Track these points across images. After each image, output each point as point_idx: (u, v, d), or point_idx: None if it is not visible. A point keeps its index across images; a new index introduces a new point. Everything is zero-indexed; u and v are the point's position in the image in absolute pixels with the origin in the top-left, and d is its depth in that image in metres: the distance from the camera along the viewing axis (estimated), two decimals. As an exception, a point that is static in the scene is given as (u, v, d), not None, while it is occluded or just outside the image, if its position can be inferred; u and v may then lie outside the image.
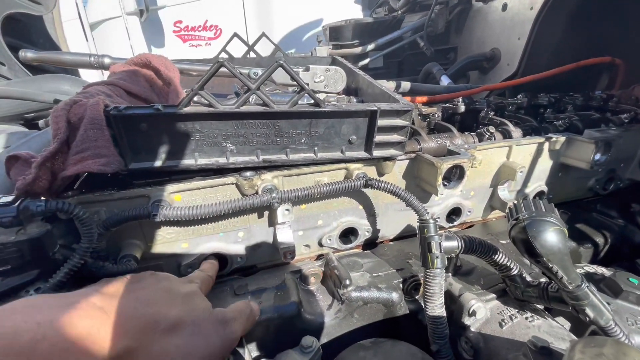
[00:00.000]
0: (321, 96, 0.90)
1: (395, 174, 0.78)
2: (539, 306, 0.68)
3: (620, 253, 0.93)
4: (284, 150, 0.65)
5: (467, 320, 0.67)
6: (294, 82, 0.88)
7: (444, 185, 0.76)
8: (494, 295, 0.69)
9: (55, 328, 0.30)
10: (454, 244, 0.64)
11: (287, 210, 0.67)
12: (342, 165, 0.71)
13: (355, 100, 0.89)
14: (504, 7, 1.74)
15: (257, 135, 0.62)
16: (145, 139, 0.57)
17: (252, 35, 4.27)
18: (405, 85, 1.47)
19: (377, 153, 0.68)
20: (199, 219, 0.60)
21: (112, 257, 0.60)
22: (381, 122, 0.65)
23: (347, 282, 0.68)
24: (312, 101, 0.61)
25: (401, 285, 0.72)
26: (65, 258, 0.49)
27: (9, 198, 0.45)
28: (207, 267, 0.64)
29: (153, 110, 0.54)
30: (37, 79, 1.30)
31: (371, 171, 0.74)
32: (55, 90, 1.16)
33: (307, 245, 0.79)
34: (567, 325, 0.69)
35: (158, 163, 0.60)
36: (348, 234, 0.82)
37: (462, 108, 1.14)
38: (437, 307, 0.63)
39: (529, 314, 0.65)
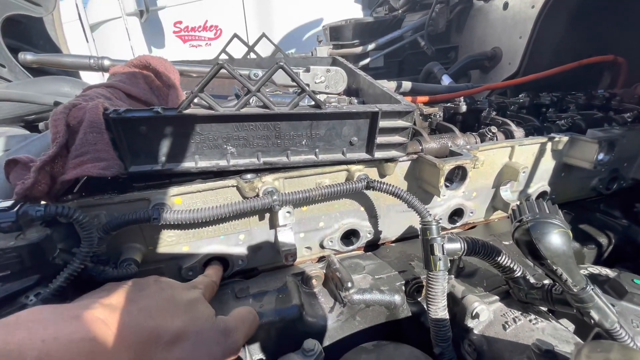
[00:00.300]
0: (322, 97, 0.89)
1: (397, 175, 0.77)
2: (542, 308, 0.68)
3: (624, 253, 0.92)
4: (285, 152, 0.64)
5: (470, 323, 0.66)
6: (295, 83, 0.88)
7: (446, 186, 0.75)
8: (497, 298, 0.69)
9: (59, 345, 0.30)
10: (456, 246, 0.63)
11: (288, 212, 0.67)
12: (343, 166, 0.70)
13: (356, 101, 0.89)
14: (505, 5, 1.73)
15: (258, 138, 0.62)
16: (145, 142, 0.57)
17: (252, 35, 4.26)
18: (406, 85, 1.46)
19: (378, 154, 0.68)
20: (199, 222, 0.60)
21: (113, 260, 0.60)
22: (382, 123, 0.64)
23: (349, 284, 0.68)
24: (313, 103, 0.60)
25: (403, 288, 0.72)
26: (65, 262, 0.49)
27: (8, 203, 0.45)
28: (211, 273, 0.64)
29: (153, 113, 0.54)
30: (37, 81, 1.30)
31: (372, 172, 0.74)
32: (55, 92, 1.15)
33: (308, 247, 0.79)
34: (571, 327, 0.68)
35: (158, 166, 0.59)
36: (350, 236, 0.82)
37: (464, 108, 1.13)
38: (439, 310, 0.63)
39: (532, 316, 0.65)
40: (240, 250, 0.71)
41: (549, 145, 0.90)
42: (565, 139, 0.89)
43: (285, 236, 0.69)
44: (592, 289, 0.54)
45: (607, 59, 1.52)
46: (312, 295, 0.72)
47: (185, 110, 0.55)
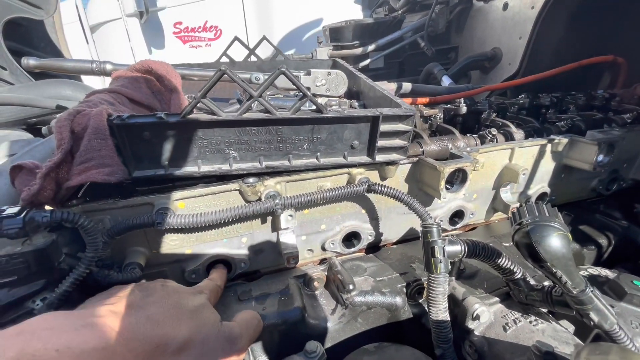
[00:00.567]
0: (323, 100, 0.90)
1: (398, 177, 0.78)
2: (543, 309, 0.68)
3: (624, 254, 0.92)
4: (287, 156, 0.65)
5: (471, 324, 0.67)
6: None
7: (447, 188, 0.76)
8: (497, 299, 0.69)
9: (72, 354, 0.30)
10: (457, 248, 0.64)
11: (290, 216, 0.67)
12: (345, 170, 0.71)
13: (356, 104, 0.89)
14: (505, 6, 1.73)
15: (260, 142, 0.62)
16: (148, 147, 0.58)
17: (252, 35, 4.26)
18: (407, 86, 1.47)
19: (379, 158, 0.68)
20: (202, 226, 0.61)
21: (117, 264, 0.60)
22: (383, 127, 0.65)
23: (351, 286, 0.68)
24: (314, 107, 0.61)
25: (405, 290, 0.72)
26: (71, 267, 0.50)
27: (15, 209, 0.46)
28: (215, 276, 0.65)
29: (156, 119, 0.54)
30: (39, 84, 1.30)
31: (373, 175, 0.74)
32: (56, 95, 1.16)
33: (310, 250, 0.80)
34: (571, 328, 0.69)
35: (161, 171, 0.60)
36: (351, 238, 0.82)
37: (464, 109, 1.13)
38: (440, 312, 0.63)
39: (533, 318, 0.65)
40: (243, 253, 0.72)
41: (548, 147, 0.90)
42: (564, 140, 0.89)
43: (287, 239, 0.69)
44: (592, 291, 0.54)
45: (606, 60, 1.52)
46: (314, 297, 0.73)
47: (188, 115, 0.55)
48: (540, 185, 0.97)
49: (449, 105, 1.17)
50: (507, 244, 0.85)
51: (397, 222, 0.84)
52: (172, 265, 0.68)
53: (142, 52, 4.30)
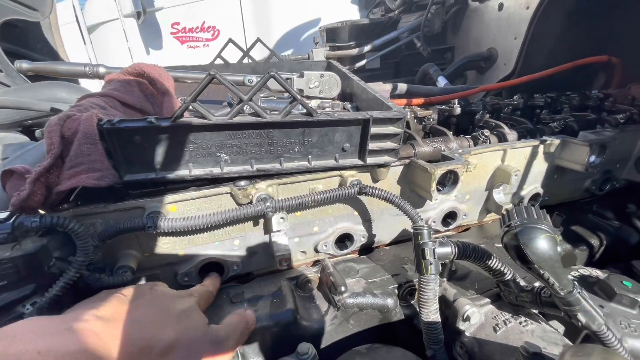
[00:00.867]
0: (316, 102, 0.90)
1: (390, 179, 0.78)
2: (533, 310, 0.69)
3: (616, 254, 0.93)
4: (278, 159, 0.65)
5: (461, 325, 0.67)
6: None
7: (439, 190, 0.76)
8: (488, 300, 0.70)
9: (54, 356, 0.31)
10: (447, 250, 0.64)
11: (282, 218, 0.68)
12: (337, 172, 0.71)
13: (349, 105, 0.89)
14: (500, 6, 1.74)
15: (251, 145, 0.63)
16: (139, 151, 0.58)
17: (249, 35, 4.26)
18: (402, 87, 1.47)
19: (370, 160, 0.69)
20: (194, 230, 0.61)
21: (109, 268, 0.61)
22: (374, 129, 0.65)
23: (343, 288, 0.69)
24: (305, 110, 0.61)
25: (396, 291, 0.73)
26: (61, 271, 0.50)
27: (4, 214, 0.46)
28: (208, 282, 0.65)
29: (146, 123, 0.55)
30: (34, 87, 1.30)
31: (365, 178, 0.75)
32: (51, 97, 1.16)
33: (303, 252, 0.80)
34: (561, 329, 0.69)
35: (153, 174, 0.60)
36: (344, 240, 0.83)
37: (458, 110, 1.14)
38: (431, 313, 0.64)
39: (522, 319, 0.66)
40: (236, 255, 0.72)
41: (541, 148, 0.91)
42: (556, 141, 0.90)
43: (280, 241, 0.69)
44: (579, 292, 0.55)
45: (601, 60, 1.53)
46: (306, 299, 0.73)
47: (179, 119, 0.55)
48: (533, 186, 0.97)
49: (443, 106, 1.17)
50: (499, 245, 0.85)
51: (389, 224, 0.85)
52: (165, 268, 0.68)
53: (140, 53, 4.30)
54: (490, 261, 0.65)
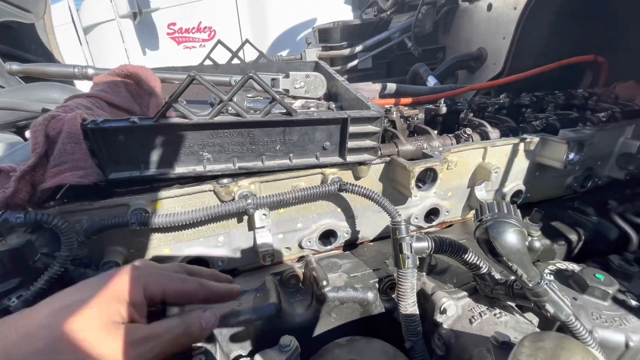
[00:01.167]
0: (301, 102, 0.92)
1: (372, 177, 0.80)
2: (510, 303, 0.71)
3: (595, 249, 0.95)
4: (260, 157, 0.67)
5: (439, 318, 0.69)
6: (276, 89, 0.91)
7: (418, 187, 0.78)
8: (465, 293, 0.72)
9: None
10: (424, 244, 0.66)
11: (264, 214, 0.70)
12: (318, 170, 0.73)
13: (334, 105, 0.91)
14: (489, 7, 1.76)
15: (233, 144, 0.65)
16: (123, 150, 0.60)
17: (245, 35, 4.27)
18: (391, 86, 1.49)
19: (350, 158, 0.71)
20: (177, 226, 0.63)
21: (95, 263, 0.62)
22: (353, 128, 0.67)
23: (324, 282, 0.71)
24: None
25: (377, 285, 0.75)
26: (47, 266, 0.52)
27: (-10, 211, 0.48)
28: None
29: (129, 123, 0.56)
30: (27, 88, 1.32)
31: (347, 175, 0.77)
32: (44, 98, 1.18)
33: (288, 248, 0.82)
34: (535, 320, 0.71)
35: (137, 173, 0.62)
36: (328, 236, 0.85)
37: (444, 109, 1.16)
38: (409, 306, 0.66)
39: (497, 311, 0.68)
40: (220, 251, 0.74)
41: (521, 146, 0.93)
42: (536, 139, 0.92)
43: (263, 237, 0.71)
44: (546, 284, 0.57)
45: (587, 59, 1.55)
46: (290, 293, 0.75)
47: (161, 119, 0.57)
48: (515, 183, 0.99)
49: (430, 106, 1.19)
50: (479, 241, 0.88)
51: (373, 220, 0.87)
52: (151, 263, 0.70)
53: (136, 54, 4.30)
54: (466, 255, 0.67)
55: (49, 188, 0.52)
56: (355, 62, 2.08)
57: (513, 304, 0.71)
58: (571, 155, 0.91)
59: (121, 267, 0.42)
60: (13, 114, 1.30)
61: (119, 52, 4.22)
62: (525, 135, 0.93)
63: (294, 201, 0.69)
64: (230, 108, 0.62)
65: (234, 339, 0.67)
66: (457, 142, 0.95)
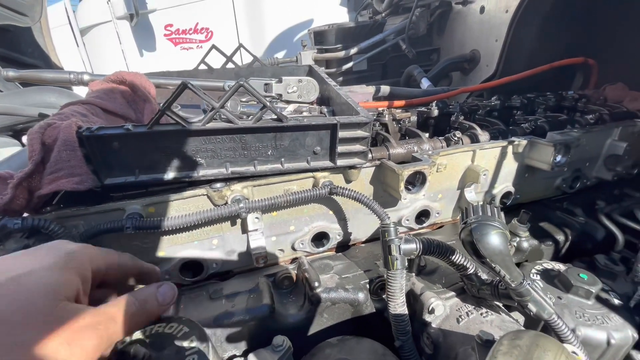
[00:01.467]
0: (294, 106, 0.94)
1: (363, 180, 0.82)
2: (497, 303, 0.73)
3: (583, 249, 0.97)
4: (252, 162, 0.69)
5: (427, 317, 0.71)
6: (269, 93, 0.93)
7: (408, 190, 0.80)
8: (453, 294, 0.74)
9: None
10: (412, 246, 0.68)
11: (257, 218, 0.71)
12: (310, 174, 0.75)
13: (326, 110, 0.93)
14: (482, 9, 1.78)
15: (225, 149, 0.66)
16: (118, 156, 0.61)
17: (243, 36, 4.28)
18: (385, 89, 1.51)
19: (340, 162, 0.72)
20: (172, 230, 0.65)
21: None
22: (342, 133, 0.69)
23: (316, 284, 0.73)
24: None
25: (368, 286, 0.77)
26: None
27: (-12, 217, 0.49)
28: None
29: (123, 130, 0.58)
30: (24, 92, 1.33)
31: (338, 179, 0.79)
32: (41, 103, 1.19)
33: (281, 250, 0.84)
34: (521, 319, 0.73)
35: (132, 178, 0.64)
36: (321, 238, 0.87)
37: (436, 112, 1.18)
38: (398, 306, 0.67)
39: (484, 310, 0.70)
40: (214, 254, 0.76)
41: (509, 149, 0.95)
42: (524, 142, 0.94)
43: (256, 240, 0.73)
44: (529, 284, 0.59)
45: (577, 61, 1.58)
46: (283, 294, 0.77)
47: (154, 126, 0.59)
48: (505, 184, 1.01)
49: (422, 108, 1.21)
50: (469, 242, 0.90)
51: (364, 222, 0.89)
52: (146, 266, 0.71)
53: (133, 55, 4.31)
54: (454, 256, 0.69)
55: (46, 194, 0.53)
56: (350, 64, 2.10)
57: (500, 304, 0.73)
58: (558, 158, 0.93)
59: (59, 241, 0.38)
60: (10, 118, 1.31)
61: (116, 53, 4.22)
62: (513, 138, 0.95)
63: (286, 205, 0.71)
64: (222, 114, 0.64)
65: (228, 339, 0.69)
66: (448, 145, 0.97)
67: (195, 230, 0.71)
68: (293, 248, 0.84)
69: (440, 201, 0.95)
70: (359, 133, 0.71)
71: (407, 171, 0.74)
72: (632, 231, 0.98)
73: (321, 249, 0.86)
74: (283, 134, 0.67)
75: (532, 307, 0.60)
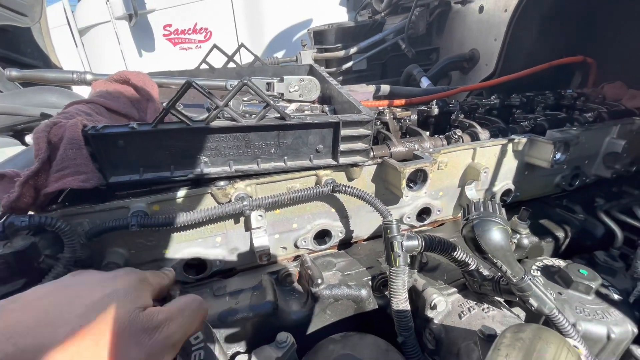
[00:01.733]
0: (295, 105, 0.95)
1: (365, 178, 0.83)
2: (498, 298, 0.74)
3: (582, 246, 0.98)
4: (255, 160, 0.70)
5: (429, 313, 0.72)
6: (271, 93, 0.93)
7: (410, 187, 0.81)
8: (455, 290, 0.74)
9: None
10: (414, 243, 0.69)
11: (260, 215, 0.72)
12: (312, 172, 0.76)
13: (327, 108, 0.94)
14: (481, 9, 1.79)
15: (229, 148, 0.67)
16: (123, 154, 0.62)
17: (242, 37, 4.28)
18: (385, 88, 1.52)
19: (343, 160, 0.73)
20: (176, 228, 0.65)
21: (96, 264, 0.65)
22: (345, 132, 0.69)
23: (319, 281, 0.73)
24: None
25: (370, 282, 0.77)
26: (50, 267, 0.54)
27: (-5, 215, 0.50)
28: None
29: (128, 128, 0.59)
30: (25, 92, 1.34)
31: (341, 176, 0.79)
32: (42, 103, 1.19)
33: (284, 248, 0.84)
34: (523, 315, 0.74)
35: (136, 176, 0.64)
36: (323, 236, 0.87)
37: (436, 111, 1.18)
38: (401, 302, 0.68)
39: (485, 306, 0.71)
40: (218, 252, 0.76)
41: (509, 147, 0.96)
42: (524, 140, 0.95)
43: (259, 238, 0.74)
44: (530, 279, 0.60)
45: (576, 60, 1.59)
46: (286, 292, 0.78)
47: (159, 125, 0.59)
48: (505, 182, 1.02)
49: (422, 107, 1.22)
50: (470, 239, 0.90)
51: (366, 220, 0.89)
52: (150, 264, 0.72)
53: (132, 55, 4.30)
54: (455, 253, 0.70)
55: (52, 192, 0.54)
56: (350, 64, 2.11)
57: (501, 299, 0.73)
58: (557, 155, 0.94)
59: (122, 268, 0.45)
60: (11, 118, 1.31)
61: (115, 54, 4.22)
62: (513, 136, 0.96)
63: (289, 202, 0.71)
64: (226, 113, 0.65)
65: (232, 336, 0.70)
66: (448, 143, 0.97)
67: (199, 228, 0.72)
68: (296, 246, 0.84)
69: (441, 199, 0.95)
70: (361, 131, 0.71)
71: (408, 169, 0.75)
72: (631, 228, 0.99)
73: (323, 247, 0.87)
74: (286, 132, 0.68)
75: (533, 302, 0.60)
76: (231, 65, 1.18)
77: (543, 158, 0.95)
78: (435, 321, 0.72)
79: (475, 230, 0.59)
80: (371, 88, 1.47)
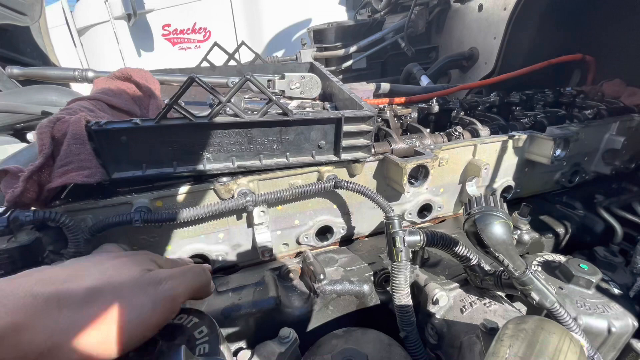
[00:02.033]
0: (297, 102, 0.95)
1: (366, 174, 0.83)
2: (499, 293, 0.74)
3: (582, 241, 0.99)
4: (258, 156, 0.70)
5: (431, 308, 0.72)
6: (272, 90, 0.93)
7: (411, 183, 0.81)
8: (457, 285, 0.75)
9: None
10: (416, 238, 0.69)
11: (262, 211, 0.72)
12: (314, 168, 0.76)
13: (329, 105, 0.94)
14: (480, 7, 1.80)
15: (231, 144, 0.67)
16: (126, 150, 0.62)
17: (241, 36, 4.28)
18: (385, 86, 1.52)
19: (345, 156, 0.73)
20: (179, 223, 0.65)
21: (99, 260, 0.65)
22: (347, 127, 0.70)
23: (322, 276, 0.73)
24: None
25: (372, 278, 0.78)
26: (54, 262, 0.54)
27: (0, 210, 0.50)
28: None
29: (131, 124, 0.59)
30: (25, 91, 1.33)
31: (342, 173, 0.80)
32: (42, 101, 1.19)
33: (286, 244, 0.85)
34: (524, 309, 0.75)
35: (139, 172, 0.64)
36: (325, 232, 0.88)
37: (436, 108, 1.19)
38: (403, 297, 0.69)
39: (487, 300, 0.71)
40: (220, 248, 0.76)
41: (510, 143, 0.96)
42: (524, 137, 0.95)
43: (261, 234, 0.74)
44: (532, 273, 0.60)
45: (575, 58, 1.59)
46: (289, 287, 0.78)
47: (162, 121, 0.60)
48: (505, 178, 1.03)
49: (422, 105, 1.23)
50: (471, 235, 0.91)
51: (368, 216, 0.90)
52: (153, 260, 0.72)
53: (131, 55, 4.30)
54: (457, 248, 0.70)
55: (56, 187, 0.54)
56: (349, 63, 2.11)
57: (502, 294, 0.74)
58: (557, 152, 0.95)
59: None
60: (11, 116, 1.31)
61: (114, 53, 4.22)
62: (513, 133, 0.97)
63: (291, 198, 0.71)
64: (228, 109, 0.65)
65: (235, 331, 0.70)
66: (449, 140, 0.98)
67: (201, 224, 0.72)
68: (298, 242, 0.85)
69: (442, 195, 0.96)
70: (363, 127, 0.71)
71: (410, 165, 0.75)
72: (631, 224, 1.00)
73: (325, 243, 0.87)
74: (288, 128, 0.68)
75: (535, 296, 0.61)
76: (232, 63, 1.18)
77: (543, 154, 0.95)
78: (437, 316, 0.72)
79: (477, 224, 0.59)
80: (371, 86, 1.47)
